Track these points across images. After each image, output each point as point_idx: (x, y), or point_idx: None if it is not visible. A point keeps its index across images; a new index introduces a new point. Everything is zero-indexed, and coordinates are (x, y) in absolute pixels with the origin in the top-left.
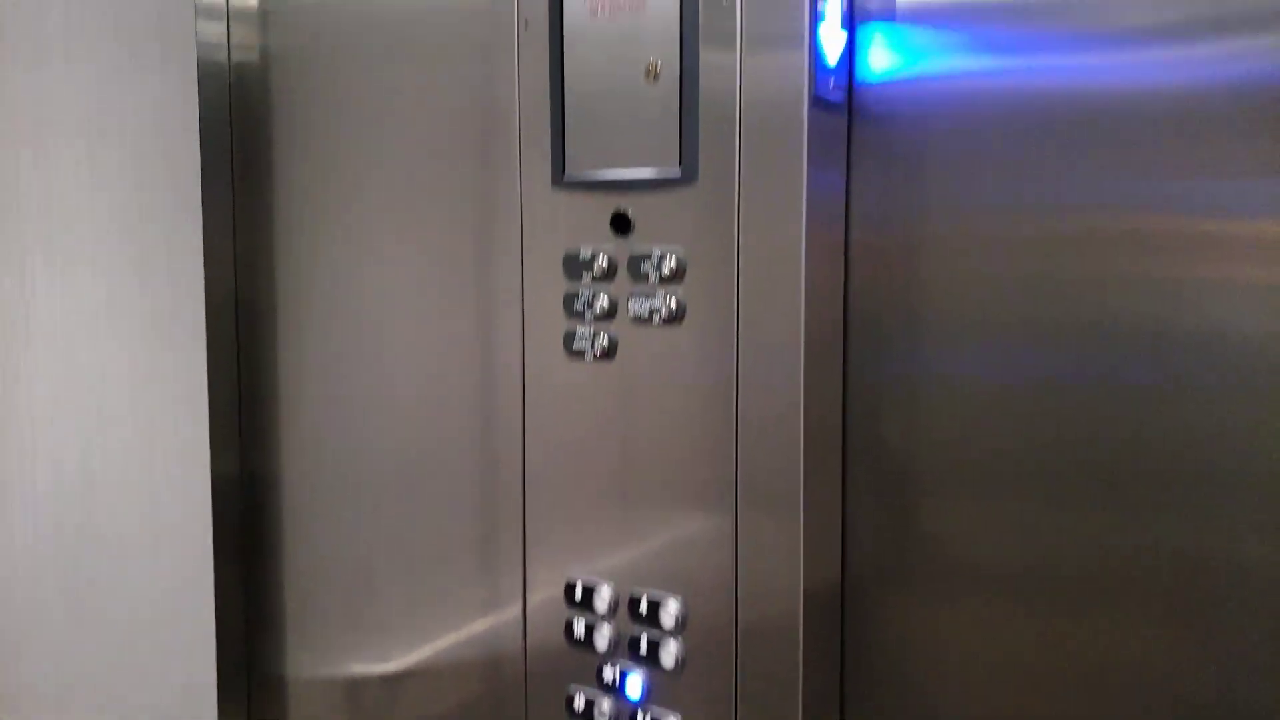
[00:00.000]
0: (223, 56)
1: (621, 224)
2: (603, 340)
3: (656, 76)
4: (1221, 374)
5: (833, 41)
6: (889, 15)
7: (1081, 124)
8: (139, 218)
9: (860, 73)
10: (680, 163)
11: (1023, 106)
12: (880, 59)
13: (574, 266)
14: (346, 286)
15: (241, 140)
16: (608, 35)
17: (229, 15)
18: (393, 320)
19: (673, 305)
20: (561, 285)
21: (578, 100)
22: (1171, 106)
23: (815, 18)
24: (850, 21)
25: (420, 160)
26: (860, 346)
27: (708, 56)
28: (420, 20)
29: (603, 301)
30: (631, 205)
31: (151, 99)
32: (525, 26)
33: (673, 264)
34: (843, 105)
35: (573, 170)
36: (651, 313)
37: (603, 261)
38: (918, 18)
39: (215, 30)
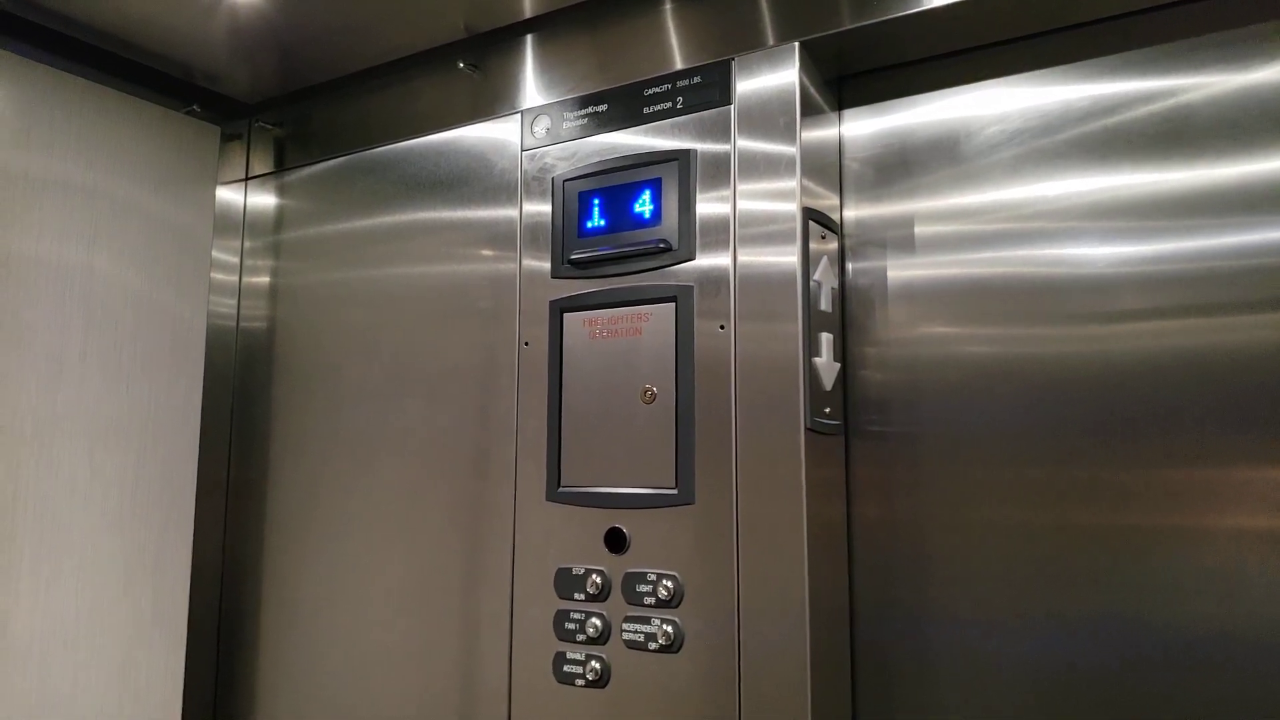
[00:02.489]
0: (229, 357)
1: (616, 540)
2: (594, 666)
3: (653, 398)
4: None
5: (828, 371)
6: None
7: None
8: (131, 523)
9: (858, 393)
10: (677, 483)
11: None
12: (875, 379)
13: (567, 583)
14: (331, 594)
15: (240, 445)
16: (605, 358)
17: (239, 317)
18: (377, 634)
19: (669, 631)
20: (553, 603)
21: (575, 417)
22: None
23: (809, 350)
24: (844, 353)
25: (416, 467)
26: (869, 684)
27: (703, 383)
28: (427, 325)
29: (595, 624)
30: (626, 523)
31: (156, 405)
32: (526, 345)
33: (669, 587)
34: (839, 428)
35: (568, 485)
36: (647, 639)
37: (596, 580)
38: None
39: (226, 304)
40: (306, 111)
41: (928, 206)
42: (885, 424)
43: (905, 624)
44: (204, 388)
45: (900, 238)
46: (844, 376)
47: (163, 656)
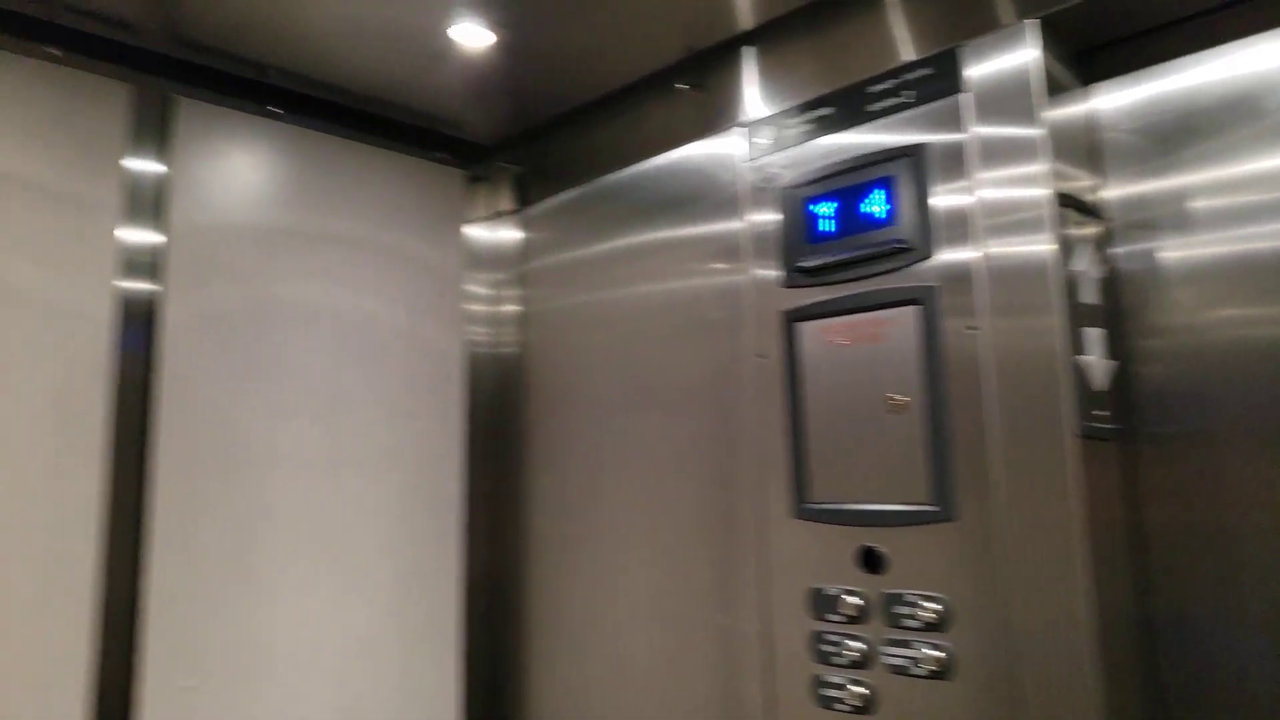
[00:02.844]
0: (486, 382)
1: (872, 561)
2: (858, 692)
3: (899, 408)
4: None
5: (1099, 369)
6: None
7: None
8: (406, 541)
9: (1140, 391)
10: (934, 498)
11: None
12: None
13: (820, 604)
14: (588, 605)
15: (498, 464)
16: (845, 367)
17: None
18: (632, 646)
19: (939, 656)
20: (806, 624)
21: (816, 430)
22: None
23: (1073, 347)
24: (1120, 348)
25: (658, 482)
26: None
27: (955, 389)
28: (663, 342)
29: (855, 647)
30: (881, 541)
31: (423, 431)
32: (760, 358)
33: (935, 610)
34: (1116, 431)
35: (814, 501)
36: (913, 664)
37: (853, 601)
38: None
39: (481, 333)
40: (542, 148)
41: (1213, 176)
42: (1173, 423)
43: (1209, 639)
44: (465, 412)
45: (1179, 214)
46: (1122, 374)
47: (437, 666)
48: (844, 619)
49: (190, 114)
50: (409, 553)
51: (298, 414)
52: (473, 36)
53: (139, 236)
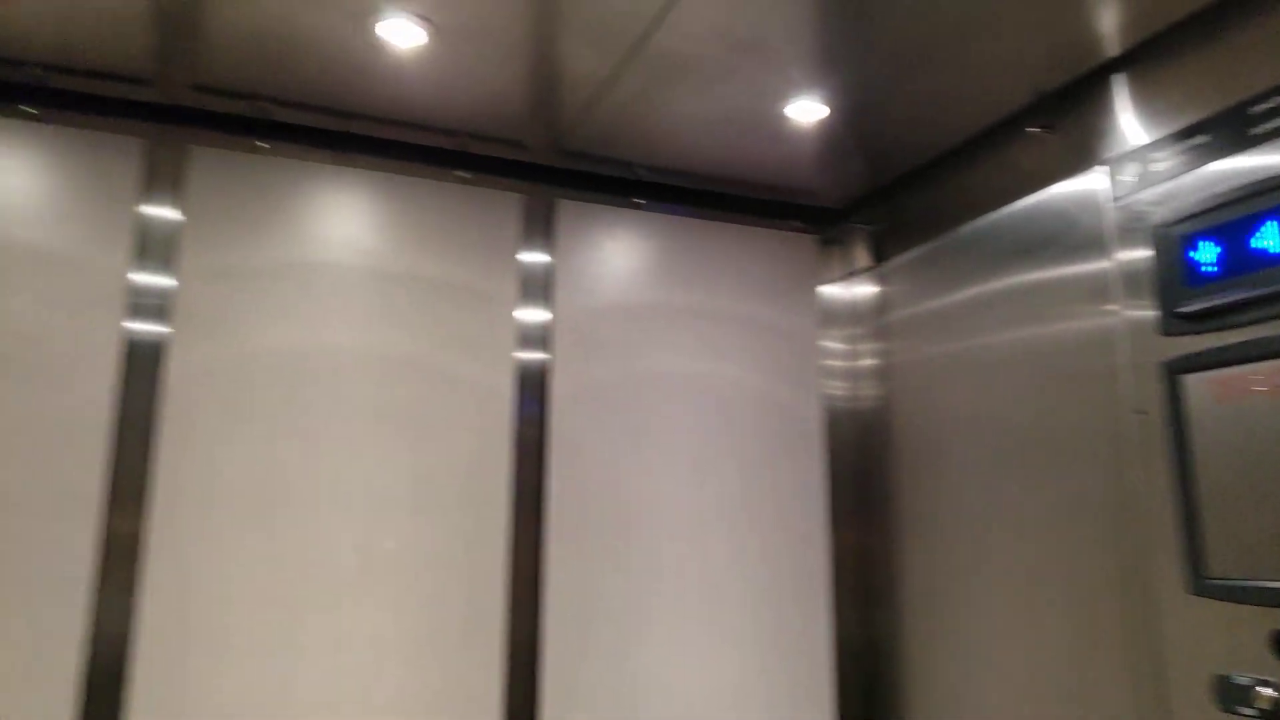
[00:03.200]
0: (846, 438)
1: None
2: None
3: None
4: None
5: None
6: None
7: None
8: (773, 599)
9: None
10: None
11: None
12: None
13: (1228, 695)
14: (967, 675)
15: (864, 522)
16: (1240, 423)
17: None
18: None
19: None
20: (1213, 715)
21: (1211, 495)
22: None
23: None
24: None
25: (1036, 544)
26: None
27: None
28: (1030, 393)
29: None
30: None
31: (783, 489)
32: (1141, 415)
33: None
34: None
35: (1215, 575)
36: None
37: (1268, 694)
38: None
39: (838, 388)
40: (895, 205)
41: None
42: None
43: None
44: (826, 469)
45: None
46: None
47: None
48: (1258, 714)
49: (568, 213)
50: (776, 609)
51: (666, 476)
52: (808, 112)
53: (532, 316)
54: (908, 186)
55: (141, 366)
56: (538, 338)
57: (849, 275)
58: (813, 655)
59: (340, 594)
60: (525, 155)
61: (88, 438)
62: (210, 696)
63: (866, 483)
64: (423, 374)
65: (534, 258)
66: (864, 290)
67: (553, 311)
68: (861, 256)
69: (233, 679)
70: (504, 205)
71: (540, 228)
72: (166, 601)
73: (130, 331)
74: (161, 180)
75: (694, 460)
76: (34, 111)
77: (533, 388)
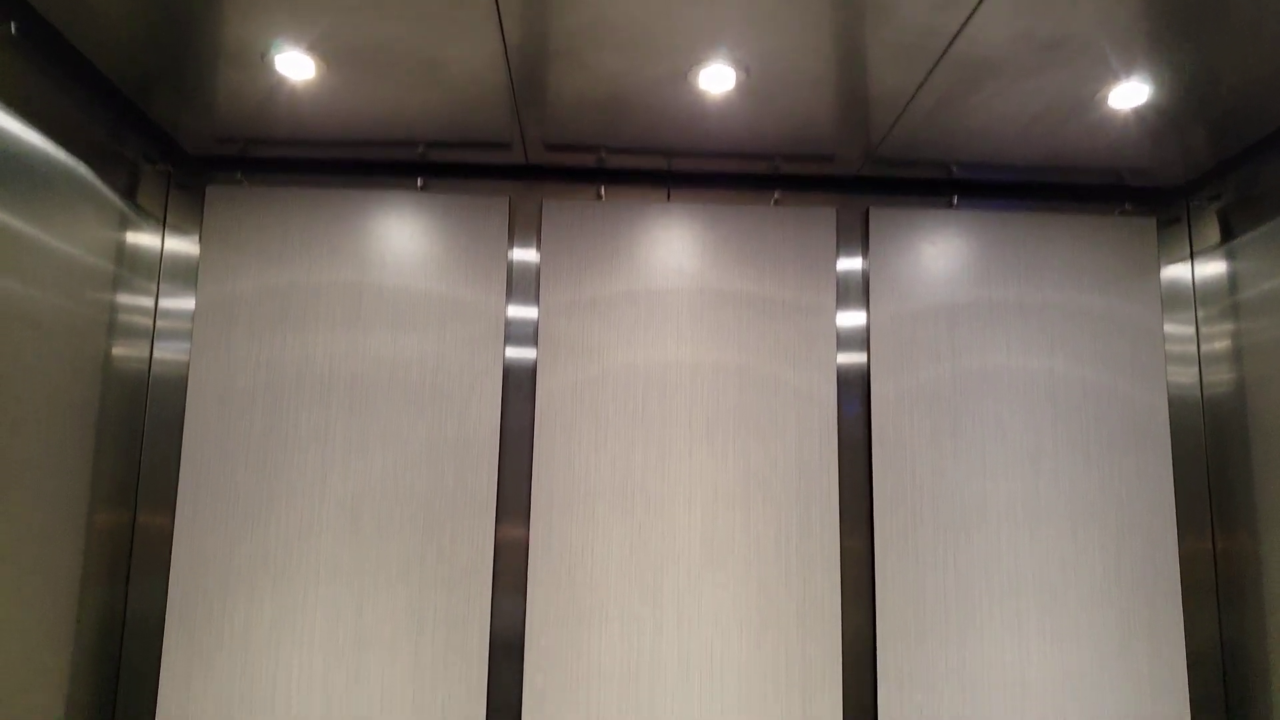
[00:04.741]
0: (1197, 428)
1: None
2: None
3: None
4: None
5: None
6: None
7: None
8: (1118, 594)
9: None
10: None
11: None
12: None
13: None
14: None
15: (1221, 512)
16: None
17: (1200, 360)
18: None
19: None
20: None
21: None
22: None
23: None
24: None
25: None
26: None
27: None
28: None
29: None
30: None
31: (1127, 484)
32: None
33: None
34: None
35: None
36: None
37: None
38: None
39: (1185, 376)
40: (1245, 177)
41: None
42: None
43: None
44: (1173, 462)
45: None
46: None
47: (1166, 710)
48: None
49: (881, 219)
50: (1121, 607)
51: (998, 473)
52: (1130, 95)
53: (851, 321)
54: (1259, 155)
55: (519, 393)
56: (857, 342)
57: (1193, 255)
58: (1164, 654)
59: (689, 577)
60: (835, 169)
61: (483, 452)
62: (588, 658)
63: (1221, 475)
64: (752, 382)
65: (850, 265)
66: (1211, 269)
67: (870, 315)
68: (1208, 234)
69: (610, 647)
70: (819, 219)
71: (855, 236)
72: (551, 587)
73: (508, 358)
74: (524, 229)
75: (1028, 456)
76: (420, 182)
77: (854, 390)
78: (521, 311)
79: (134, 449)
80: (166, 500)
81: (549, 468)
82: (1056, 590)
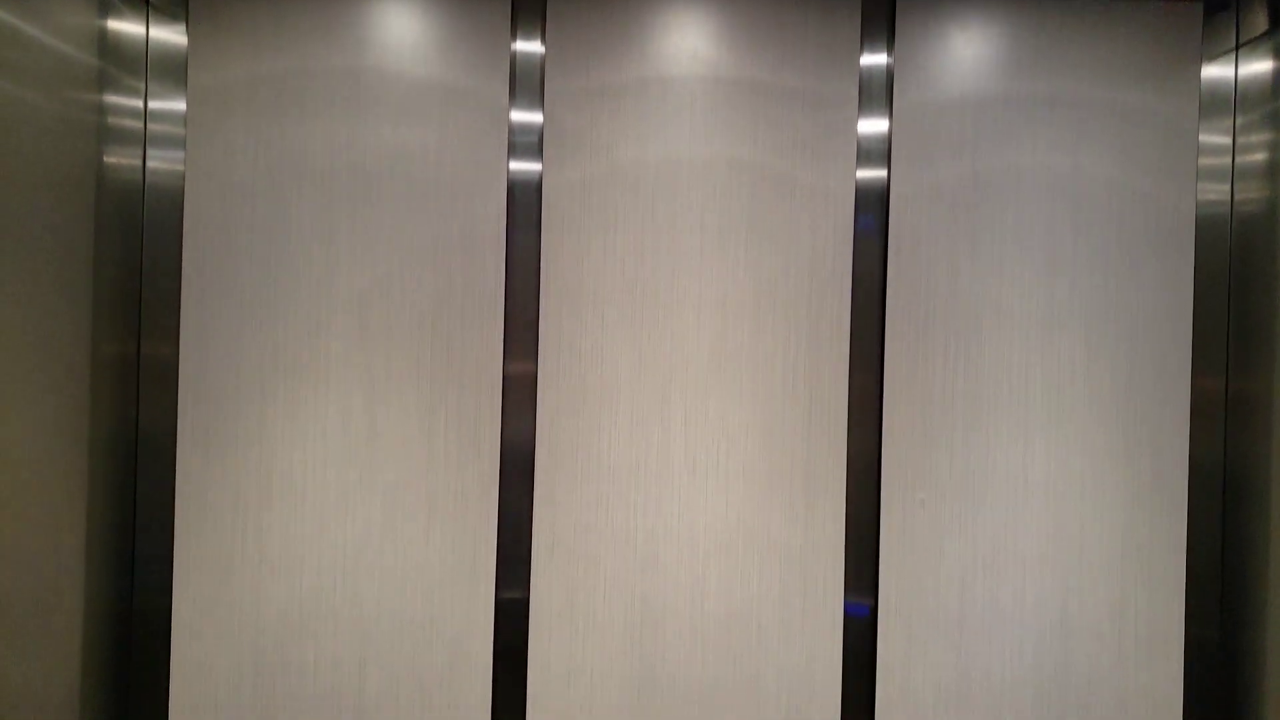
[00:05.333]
0: (1223, 245)
1: None
2: None
3: None
4: None
5: None
6: None
7: None
8: (1127, 404)
9: None
10: None
11: None
12: None
13: None
14: None
15: (1237, 340)
16: None
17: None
18: None
19: None
20: None
21: None
22: None
23: None
24: None
25: None
26: None
27: None
28: None
29: None
30: None
31: (1144, 294)
32: None
33: None
34: None
35: None
36: None
37: None
38: None
39: (1217, 190)
40: None
41: None
42: None
43: None
44: (1194, 275)
45: None
46: None
47: (1163, 522)
48: None
49: (909, 10)
50: (1129, 416)
51: (1014, 276)
52: None
53: (872, 119)
54: None
55: (524, 189)
56: (877, 140)
57: (1238, 47)
58: (1167, 469)
59: (698, 382)
60: None
61: (490, 253)
62: (600, 458)
63: (1246, 301)
64: (766, 180)
65: (874, 60)
66: (1256, 67)
67: (893, 114)
68: (1255, 22)
69: (619, 446)
70: (843, 9)
71: (880, 28)
72: (560, 389)
73: (513, 159)
74: (528, 17)
75: (1047, 260)
76: None
77: (872, 190)
78: (527, 105)
79: (134, 258)
80: (171, 308)
81: (557, 268)
82: (1065, 397)
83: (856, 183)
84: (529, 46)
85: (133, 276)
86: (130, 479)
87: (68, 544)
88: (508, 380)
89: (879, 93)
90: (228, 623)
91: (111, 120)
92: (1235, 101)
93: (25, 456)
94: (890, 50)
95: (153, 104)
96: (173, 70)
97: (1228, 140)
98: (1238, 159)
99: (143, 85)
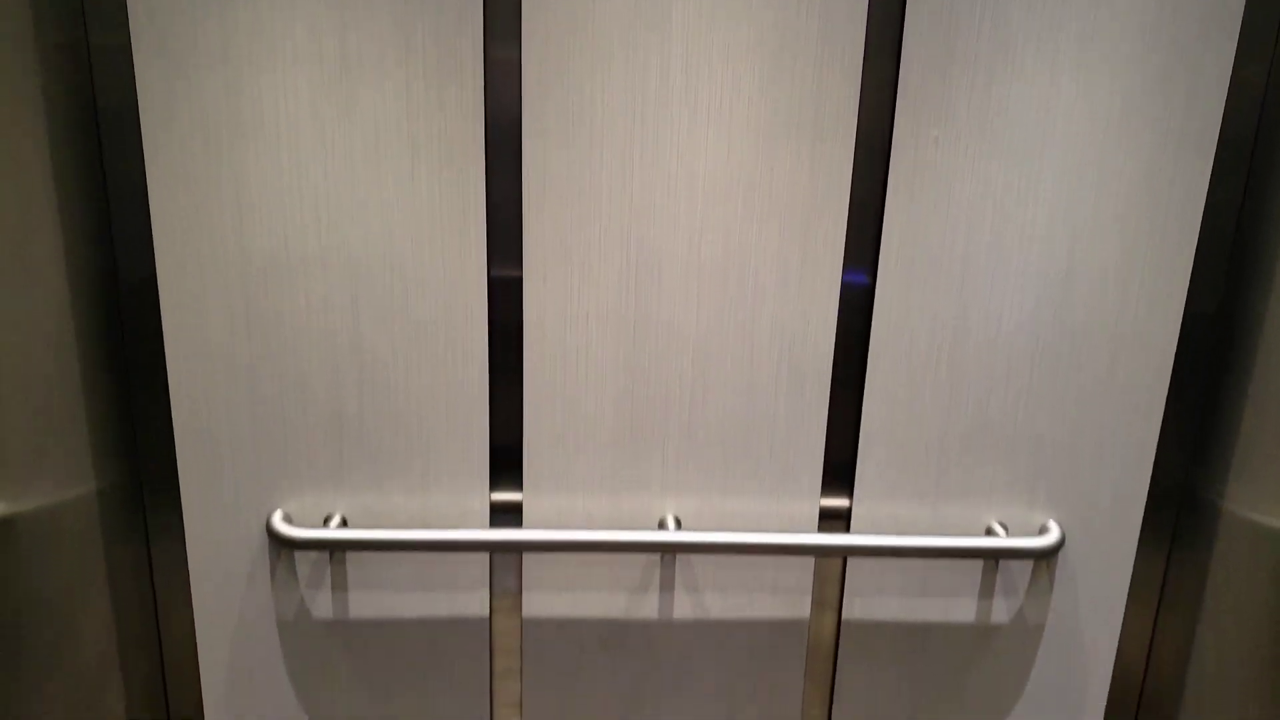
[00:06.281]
0: None
1: None
2: None
3: None
4: None
5: None
6: None
7: None
8: (1170, 32)
9: None
10: None
11: None
12: None
13: None
14: None
15: None
16: None
17: None
18: None
19: None
20: None
21: None
22: None
23: None
24: None
25: None
26: None
27: None
28: None
29: None
30: None
31: None
32: None
33: None
34: None
35: None
36: None
37: None
38: None
39: None
40: None
41: None
42: None
43: None
44: None
45: None
46: None
47: (1184, 174)
48: None
49: None
50: (1169, 38)
51: None
52: None
53: None
54: None
55: None
56: None
57: None
58: (1199, 105)
59: (699, 8)
60: None
61: None
62: (590, 93)
63: None
64: None
65: None
66: None
67: None
68: None
69: (608, 84)
70: None
71: None
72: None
73: None
74: None
75: None
76: None
77: None
78: None
79: None
80: None
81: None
82: (1100, 21)
83: None
84: None
85: None
86: (91, 109)
87: (38, 215)
88: (488, 5)
89: None
90: (215, 278)
91: None
92: None
93: None
94: None
95: None
96: None
97: None
98: None
99: None
